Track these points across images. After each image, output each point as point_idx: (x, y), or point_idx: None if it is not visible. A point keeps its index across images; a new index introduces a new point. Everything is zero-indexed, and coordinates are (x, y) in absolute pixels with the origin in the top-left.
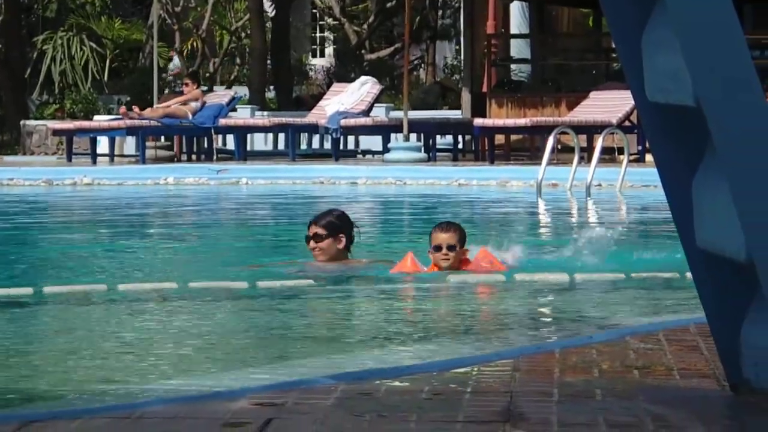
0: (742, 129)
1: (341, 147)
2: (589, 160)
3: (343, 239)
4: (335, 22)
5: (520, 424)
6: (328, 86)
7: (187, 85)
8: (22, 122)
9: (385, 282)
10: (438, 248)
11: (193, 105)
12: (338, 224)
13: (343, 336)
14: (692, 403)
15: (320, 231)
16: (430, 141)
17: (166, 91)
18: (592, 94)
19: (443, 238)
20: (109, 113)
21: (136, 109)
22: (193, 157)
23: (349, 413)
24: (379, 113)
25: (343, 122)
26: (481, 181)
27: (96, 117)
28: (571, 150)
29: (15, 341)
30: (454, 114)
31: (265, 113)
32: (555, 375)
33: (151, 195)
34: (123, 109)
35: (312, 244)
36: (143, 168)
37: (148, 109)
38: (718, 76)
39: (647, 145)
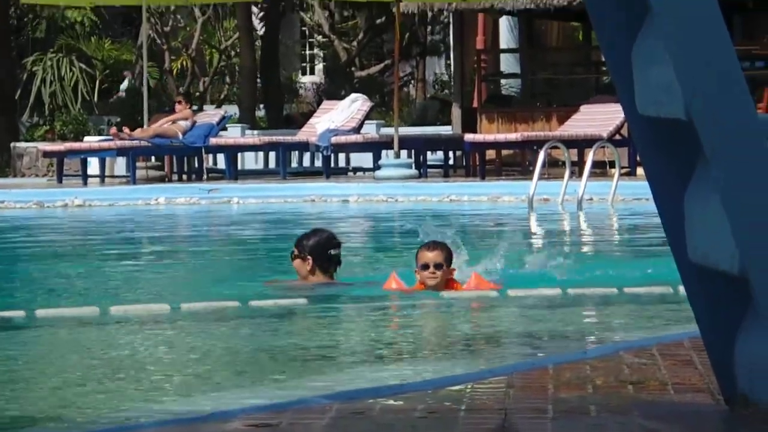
0: (732, 141)
1: (332, 165)
2: (581, 175)
3: (310, 261)
4: (325, 40)
5: None
6: (318, 104)
7: (179, 103)
8: (12, 144)
9: (376, 300)
10: (425, 267)
11: (183, 124)
12: (306, 246)
13: (336, 355)
14: (687, 417)
15: (294, 250)
16: (421, 157)
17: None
18: (583, 108)
19: (430, 256)
20: (100, 134)
21: (126, 130)
22: (184, 176)
23: None
24: (370, 130)
25: (333, 140)
26: (472, 197)
27: (86, 138)
28: (562, 164)
29: (7, 365)
30: (444, 130)
31: (256, 132)
32: (549, 391)
33: (142, 215)
34: (114, 130)
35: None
36: (134, 188)
37: (138, 130)
38: (708, 88)
39: (638, 158)
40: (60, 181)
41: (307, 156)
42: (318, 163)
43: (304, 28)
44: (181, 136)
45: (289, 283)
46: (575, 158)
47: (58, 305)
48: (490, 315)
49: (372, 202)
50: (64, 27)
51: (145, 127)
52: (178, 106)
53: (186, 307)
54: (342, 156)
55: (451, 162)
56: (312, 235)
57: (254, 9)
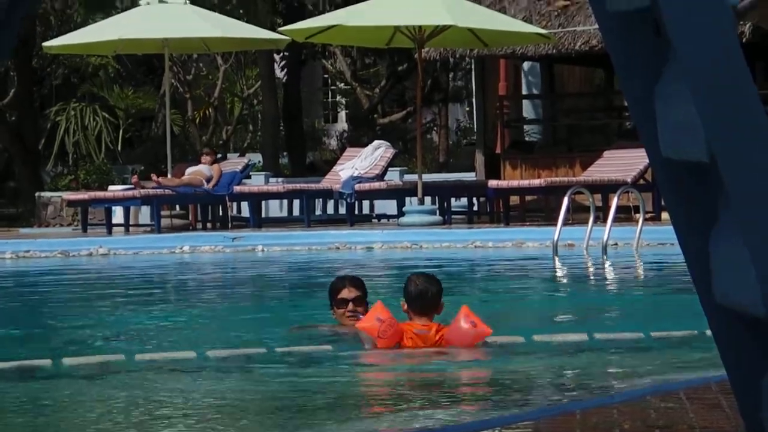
0: (756, 183)
1: (356, 212)
2: (605, 220)
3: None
4: (347, 87)
5: None
6: (342, 151)
7: (206, 155)
8: (36, 194)
9: (399, 346)
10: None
11: (207, 173)
12: (366, 291)
13: (362, 402)
14: None
15: (362, 294)
16: (445, 204)
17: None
18: (606, 153)
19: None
20: (124, 183)
21: (153, 176)
22: (209, 225)
23: None
24: (393, 177)
25: (357, 187)
26: (497, 243)
27: (110, 187)
28: (587, 210)
29: (33, 413)
30: (468, 176)
31: (280, 180)
32: None
33: (167, 264)
34: (135, 178)
35: (351, 306)
36: (159, 237)
37: (166, 178)
38: (731, 131)
39: (663, 203)
40: (84, 230)
41: (331, 203)
42: (342, 211)
43: (326, 76)
44: (205, 184)
45: (319, 328)
46: (599, 203)
47: (84, 353)
48: (516, 360)
49: (396, 248)
50: (87, 76)
51: (169, 176)
52: (204, 158)
53: (211, 354)
54: (366, 203)
55: (475, 208)
56: (358, 278)
57: (276, 57)
